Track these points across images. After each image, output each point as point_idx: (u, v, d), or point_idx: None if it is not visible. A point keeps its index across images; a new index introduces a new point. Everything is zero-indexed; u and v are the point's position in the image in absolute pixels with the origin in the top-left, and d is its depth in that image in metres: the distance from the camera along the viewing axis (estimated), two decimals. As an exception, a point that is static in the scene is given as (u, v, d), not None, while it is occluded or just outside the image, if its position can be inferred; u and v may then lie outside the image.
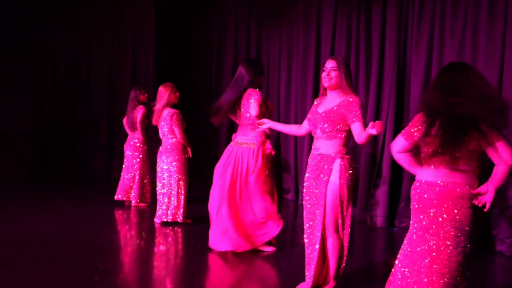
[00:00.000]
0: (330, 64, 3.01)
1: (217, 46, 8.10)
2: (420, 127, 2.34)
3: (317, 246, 2.97)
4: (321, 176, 2.96)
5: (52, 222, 4.98)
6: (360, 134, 2.85)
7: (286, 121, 6.58)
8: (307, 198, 3.07)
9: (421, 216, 2.34)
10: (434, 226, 2.29)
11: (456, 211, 2.26)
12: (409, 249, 2.38)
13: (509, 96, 4.12)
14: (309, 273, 3.04)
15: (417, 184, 2.40)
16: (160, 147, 5.12)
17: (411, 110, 4.87)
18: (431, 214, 2.30)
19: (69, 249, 4.05)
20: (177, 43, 8.64)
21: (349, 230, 3.00)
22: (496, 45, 4.22)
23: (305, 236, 3.10)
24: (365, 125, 2.89)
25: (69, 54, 9.09)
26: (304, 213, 3.11)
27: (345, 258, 3.05)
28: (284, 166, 6.86)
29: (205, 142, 7.98)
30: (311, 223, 3.04)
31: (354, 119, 2.89)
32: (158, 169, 5.07)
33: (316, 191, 2.99)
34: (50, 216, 5.27)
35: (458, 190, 2.27)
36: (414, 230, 2.37)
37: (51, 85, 9.18)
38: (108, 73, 8.74)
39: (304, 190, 3.10)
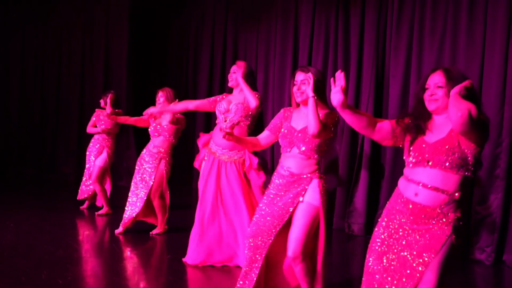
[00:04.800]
0: (300, 77, 2.71)
1: (194, 47, 7.89)
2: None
3: (257, 272, 2.67)
4: (290, 196, 2.67)
5: (10, 233, 4.64)
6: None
7: (263, 125, 6.39)
8: (263, 213, 2.73)
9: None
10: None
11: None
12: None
13: (489, 98, 4.05)
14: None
15: None
16: (146, 151, 4.79)
17: (389, 114, 4.76)
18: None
19: (25, 262, 3.75)
20: (152, 44, 8.39)
21: (323, 253, 2.68)
22: (476, 47, 4.14)
23: (248, 251, 2.73)
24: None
25: (38, 54, 8.74)
26: (253, 227, 2.74)
27: (324, 282, 2.71)
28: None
29: (181, 146, 7.73)
30: (260, 239, 2.68)
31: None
32: (139, 174, 4.74)
33: (280, 212, 2.67)
34: (9, 226, 4.93)
35: None
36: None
37: (19, 87, 8.81)
38: (80, 75, 8.39)
39: (261, 206, 2.76)
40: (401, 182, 2.19)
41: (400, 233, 2.11)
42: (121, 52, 7.93)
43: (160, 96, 4.77)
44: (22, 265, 3.67)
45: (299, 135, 2.69)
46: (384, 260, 2.13)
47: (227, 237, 3.75)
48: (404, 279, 2.05)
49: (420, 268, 2.03)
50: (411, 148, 2.14)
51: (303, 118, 2.71)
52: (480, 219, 4.12)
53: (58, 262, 3.79)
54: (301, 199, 2.66)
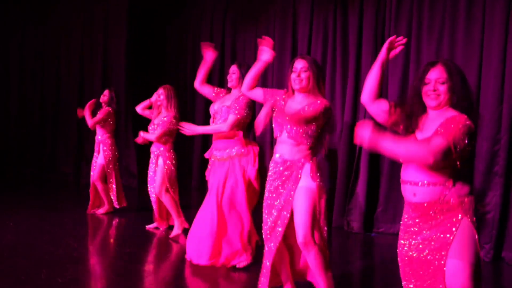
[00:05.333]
0: (300, 64, 2.79)
1: (192, 47, 7.87)
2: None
3: (268, 263, 2.74)
4: (286, 184, 2.73)
5: (10, 233, 4.65)
6: None
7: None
8: (268, 205, 2.82)
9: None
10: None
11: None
12: None
13: (488, 95, 4.06)
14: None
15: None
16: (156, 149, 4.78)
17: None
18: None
19: (25, 262, 3.76)
20: (150, 44, 8.39)
21: (326, 237, 2.77)
22: (474, 45, 4.15)
23: (267, 247, 2.81)
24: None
25: (38, 54, 8.74)
26: (263, 220, 2.84)
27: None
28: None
29: (180, 150, 7.74)
30: (268, 235, 2.78)
31: None
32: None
33: (277, 201, 2.75)
34: (9, 226, 4.94)
35: None
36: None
37: (19, 87, 8.82)
38: (79, 75, 8.40)
39: (265, 202, 2.84)
40: (401, 188, 2.17)
41: (418, 234, 2.07)
42: (120, 52, 7.94)
43: (161, 94, 4.79)
44: (22, 265, 3.68)
45: (287, 119, 2.75)
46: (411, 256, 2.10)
47: (233, 235, 3.73)
48: (429, 276, 2.02)
49: (440, 262, 1.99)
50: None
51: (294, 105, 2.78)
52: (479, 216, 4.12)
53: (58, 261, 3.80)
54: (293, 185, 2.70)
